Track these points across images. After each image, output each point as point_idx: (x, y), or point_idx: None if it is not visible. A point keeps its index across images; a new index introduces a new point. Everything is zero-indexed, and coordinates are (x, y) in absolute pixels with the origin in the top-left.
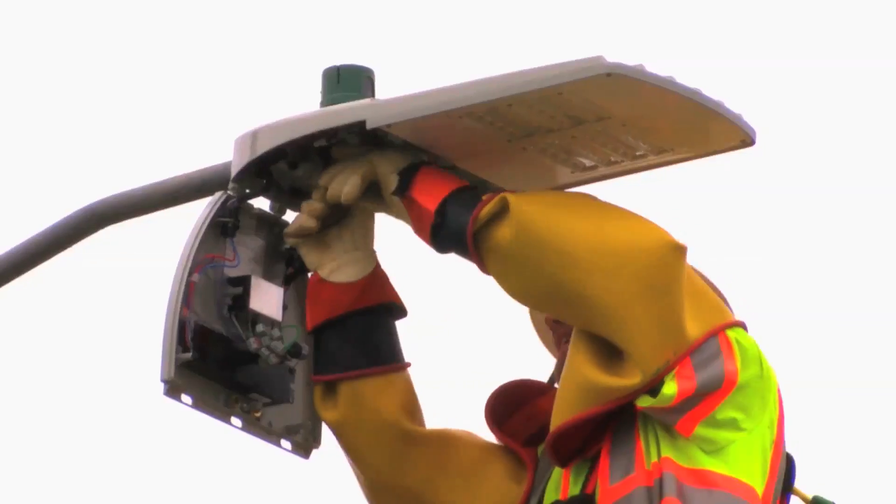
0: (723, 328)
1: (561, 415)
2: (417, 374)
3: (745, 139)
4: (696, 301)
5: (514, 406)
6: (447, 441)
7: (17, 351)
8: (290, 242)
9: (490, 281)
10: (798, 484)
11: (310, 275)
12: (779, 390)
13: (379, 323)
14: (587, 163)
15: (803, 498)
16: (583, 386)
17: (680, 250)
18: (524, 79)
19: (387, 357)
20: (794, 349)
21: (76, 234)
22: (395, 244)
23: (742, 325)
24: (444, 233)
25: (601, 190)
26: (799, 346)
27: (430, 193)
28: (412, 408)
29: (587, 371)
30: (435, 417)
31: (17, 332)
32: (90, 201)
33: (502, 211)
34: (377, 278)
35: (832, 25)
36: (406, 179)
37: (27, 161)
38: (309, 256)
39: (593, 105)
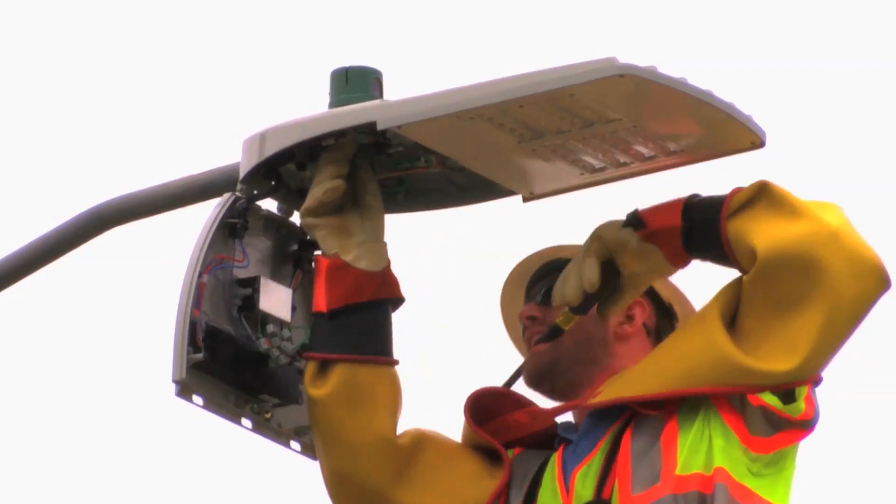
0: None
1: (668, 381)
2: (420, 373)
3: (755, 141)
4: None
5: (492, 413)
6: (417, 446)
7: (24, 352)
8: (306, 223)
9: (490, 282)
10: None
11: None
12: None
13: (388, 315)
14: (597, 164)
15: None
16: (719, 362)
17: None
18: (535, 80)
19: (389, 349)
20: None
21: (82, 235)
22: (396, 245)
23: None
24: (697, 233)
25: (612, 192)
26: None
27: (666, 212)
28: (397, 405)
29: (729, 350)
30: (437, 415)
31: (24, 333)
32: (96, 203)
33: (757, 194)
34: (391, 271)
35: (843, 28)
36: (636, 220)
37: (33, 163)
38: (328, 240)
39: (604, 107)
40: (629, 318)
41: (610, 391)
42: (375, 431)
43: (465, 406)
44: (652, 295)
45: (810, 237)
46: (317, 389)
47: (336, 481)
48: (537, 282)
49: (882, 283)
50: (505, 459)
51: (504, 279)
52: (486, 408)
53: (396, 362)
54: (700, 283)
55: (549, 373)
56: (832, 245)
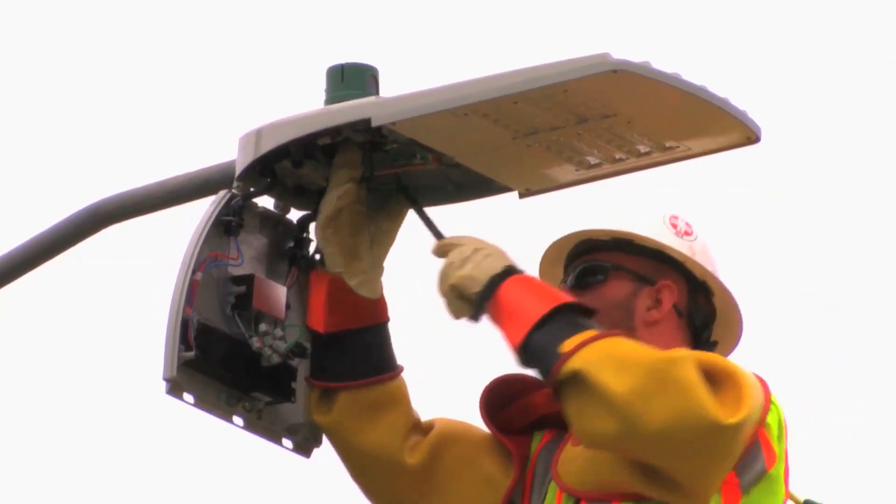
0: (762, 423)
1: (589, 480)
2: (420, 373)
3: (750, 136)
4: (739, 393)
5: (510, 398)
6: (436, 450)
7: (20, 349)
8: (322, 235)
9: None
10: (793, 487)
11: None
12: (786, 431)
13: (385, 332)
14: (592, 160)
15: (795, 501)
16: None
17: (719, 429)
18: (530, 76)
19: (390, 362)
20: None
21: (80, 233)
22: (406, 246)
23: (769, 398)
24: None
25: (608, 188)
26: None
27: (512, 324)
28: (403, 413)
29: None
30: (437, 414)
31: (21, 330)
32: (93, 200)
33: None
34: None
35: (837, 25)
36: (479, 306)
37: (31, 161)
38: (335, 258)
39: (599, 102)
40: (657, 302)
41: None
42: (383, 447)
43: (481, 399)
44: (684, 272)
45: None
46: (322, 416)
47: (363, 491)
48: (573, 261)
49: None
50: (515, 459)
51: (539, 260)
52: (504, 394)
53: (399, 371)
54: None
55: None
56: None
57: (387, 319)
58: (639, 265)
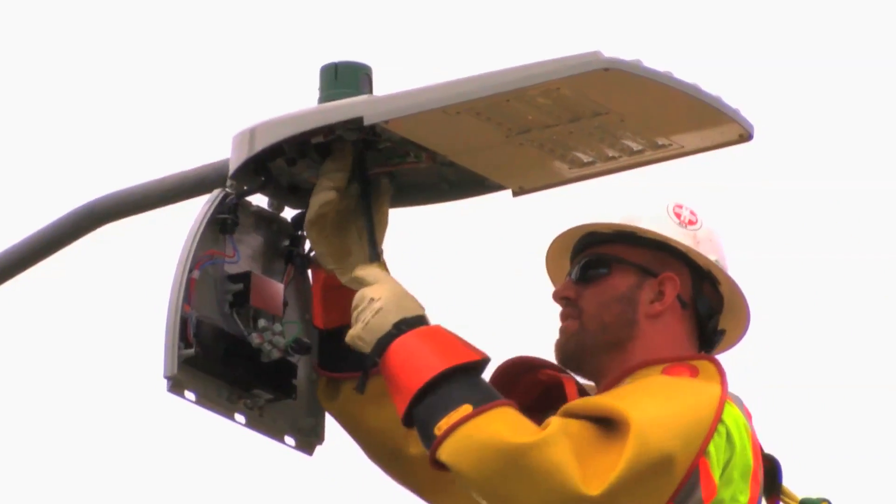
0: (702, 451)
1: None
2: None
3: (743, 134)
4: (621, 448)
5: (515, 377)
6: None
7: (17, 348)
8: (309, 237)
9: (493, 281)
10: (795, 485)
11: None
12: (753, 444)
13: None
14: (585, 158)
15: (791, 499)
16: None
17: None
18: (522, 74)
19: None
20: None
21: (75, 231)
22: (400, 245)
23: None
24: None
25: (601, 186)
26: (797, 347)
27: (399, 388)
28: None
29: None
30: None
31: (17, 330)
32: (89, 199)
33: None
34: None
35: (830, 22)
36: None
37: (26, 159)
38: (325, 258)
39: (591, 100)
40: (660, 294)
41: None
42: (386, 434)
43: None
44: (689, 262)
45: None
46: (328, 401)
47: (378, 467)
48: (578, 254)
49: None
50: None
51: (546, 250)
52: (512, 374)
53: None
54: None
55: (573, 357)
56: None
57: None
58: (642, 257)
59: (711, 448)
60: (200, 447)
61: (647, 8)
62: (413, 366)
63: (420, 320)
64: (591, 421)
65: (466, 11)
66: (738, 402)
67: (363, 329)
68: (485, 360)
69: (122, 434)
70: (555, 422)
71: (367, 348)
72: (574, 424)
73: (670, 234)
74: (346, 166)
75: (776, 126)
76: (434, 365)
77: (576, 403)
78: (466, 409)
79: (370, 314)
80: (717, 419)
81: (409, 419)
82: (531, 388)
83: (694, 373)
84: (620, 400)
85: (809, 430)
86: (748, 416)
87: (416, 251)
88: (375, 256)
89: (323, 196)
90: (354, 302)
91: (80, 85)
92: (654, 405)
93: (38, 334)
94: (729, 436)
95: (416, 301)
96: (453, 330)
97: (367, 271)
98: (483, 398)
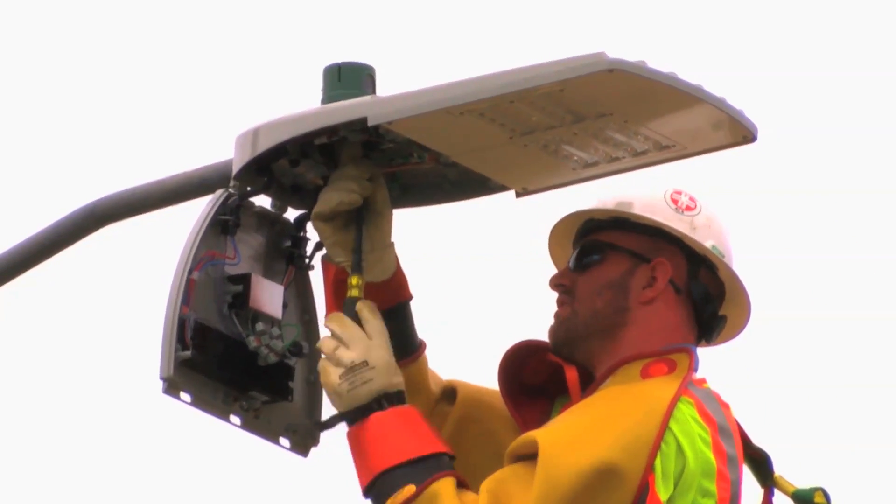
0: (651, 464)
1: None
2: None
3: (746, 135)
4: (621, 436)
5: (522, 360)
6: (460, 426)
7: (18, 348)
8: (316, 227)
9: (493, 281)
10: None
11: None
12: (714, 444)
13: (403, 314)
14: (588, 159)
15: (785, 490)
16: None
17: None
18: (526, 75)
19: (408, 345)
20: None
21: (77, 232)
22: (401, 245)
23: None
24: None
25: (600, 186)
26: (797, 347)
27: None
28: (424, 389)
29: None
30: None
31: (18, 330)
32: (91, 200)
33: None
34: (400, 272)
35: (832, 24)
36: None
37: (28, 160)
38: (334, 249)
39: (595, 101)
40: (653, 280)
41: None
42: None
43: (498, 370)
44: (685, 248)
45: None
46: None
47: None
48: (578, 241)
49: None
50: (522, 431)
51: (547, 237)
52: (518, 358)
53: (420, 351)
54: None
55: (565, 343)
56: None
57: (402, 300)
58: (636, 243)
59: (658, 462)
60: (196, 448)
61: (651, 9)
62: (385, 444)
63: (400, 397)
64: (521, 460)
65: (470, 12)
66: (706, 397)
67: (348, 392)
68: (451, 456)
69: (118, 434)
70: (484, 486)
71: (341, 407)
72: (502, 474)
73: (664, 220)
74: (369, 173)
75: (779, 128)
76: (405, 450)
77: (513, 445)
78: (409, 489)
79: (360, 382)
80: (661, 435)
81: (366, 490)
82: (540, 368)
83: (672, 368)
84: (550, 425)
85: (809, 431)
86: (724, 406)
87: (417, 252)
88: (359, 269)
89: (346, 196)
90: (334, 354)
91: (82, 86)
92: (581, 423)
93: (39, 334)
94: (679, 446)
95: (399, 372)
96: (452, 331)
97: (343, 330)
98: (424, 475)
